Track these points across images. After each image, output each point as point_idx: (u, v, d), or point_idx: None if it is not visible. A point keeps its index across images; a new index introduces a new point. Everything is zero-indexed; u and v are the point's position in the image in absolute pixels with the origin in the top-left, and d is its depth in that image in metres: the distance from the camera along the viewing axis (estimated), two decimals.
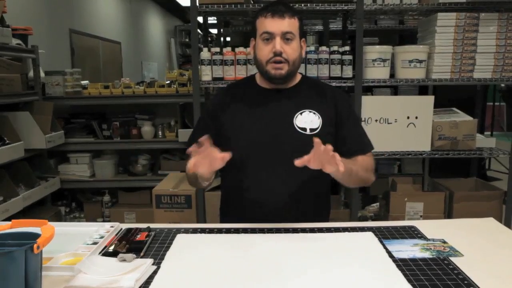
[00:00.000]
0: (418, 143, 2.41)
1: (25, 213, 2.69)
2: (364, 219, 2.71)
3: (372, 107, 2.39)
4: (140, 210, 3.22)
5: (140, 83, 3.36)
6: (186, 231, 1.27)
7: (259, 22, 1.42)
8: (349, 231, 1.25)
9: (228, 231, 1.26)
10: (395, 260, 1.06)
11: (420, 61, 2.34)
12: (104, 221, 3.18)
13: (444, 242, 1.17)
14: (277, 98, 1.46)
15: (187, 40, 9.92)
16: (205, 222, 2.38)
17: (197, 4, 2.28)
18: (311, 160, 1.16)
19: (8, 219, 1.55)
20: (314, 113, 1.43)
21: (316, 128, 1.41)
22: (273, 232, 1.25)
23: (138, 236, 1.21)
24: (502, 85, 4.68)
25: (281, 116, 1.43)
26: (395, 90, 3.19)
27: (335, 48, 2.36)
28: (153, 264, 1.04)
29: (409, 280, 0.96)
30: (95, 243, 1.15)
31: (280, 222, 1.31)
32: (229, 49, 2.35)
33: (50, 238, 0.84)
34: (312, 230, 1.26)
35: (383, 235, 1.23)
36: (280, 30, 1.37)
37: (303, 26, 1.47)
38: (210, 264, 1.05)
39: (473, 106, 2.90)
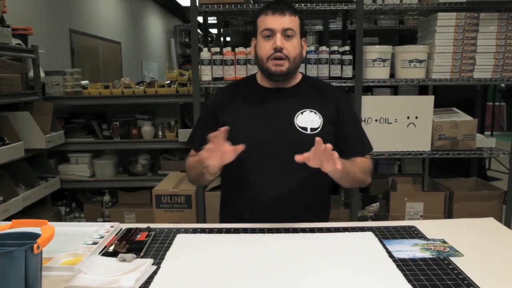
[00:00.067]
0: (418, 143, 2.41)
1: (25, 213, 2.68)
2: (364, 219, 2.71)
3: (372, 107, 2.39)
4: (140, 210, 3.22)
5: (140, 83, 3.36)
6: (186, 231, 1.27)
7: (260, 20, 1.42)
8: (349, 231, 1.25)
9: (228, 231, 1.26)
10: (395, 260, 1.06)
11: (420, 61, 2.34)
12: (104, 221, 3.18)
13: (444, 242, 1.17)
14: (278, 98, 1.46)
15: (187, 40, 9.93)
16: (205, 222, 2.38)
17: (197, 4, 2.28)
18: (310, 158, 1.16)
19: (8, 219, 1.55)
20: (315, 113, 1.43)
21: (317, 128, 1.41)
22: (273, 232, 1.25)
23: (138, 236, 1.21)
24: (502, 85, 4.68)
25: (282, 116, 1.43)
26: (395, 90, 3.19)
27: (335, 48, 2.36)
28: (153, 264, 1.04)
29: (409, 280, 0.96)
30: (95, 243, 1.15)
31: (280, 221, 1.31)
32: (229, 49, 2.35)
33: (50, 238, 0.84)
34: (312, 230, 1.26)
35: (383, 235, 1.23)
36: (280, 26, 1.37)
37: (304, 26, 1.47)
38: (210, 264, 1.05)
39: (473, 106, 2.90)
